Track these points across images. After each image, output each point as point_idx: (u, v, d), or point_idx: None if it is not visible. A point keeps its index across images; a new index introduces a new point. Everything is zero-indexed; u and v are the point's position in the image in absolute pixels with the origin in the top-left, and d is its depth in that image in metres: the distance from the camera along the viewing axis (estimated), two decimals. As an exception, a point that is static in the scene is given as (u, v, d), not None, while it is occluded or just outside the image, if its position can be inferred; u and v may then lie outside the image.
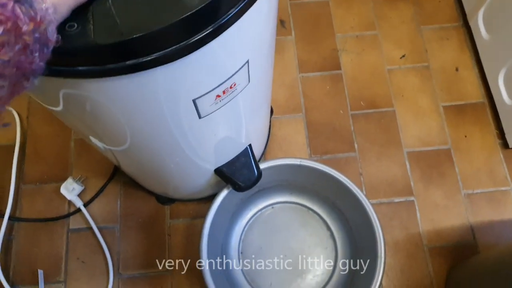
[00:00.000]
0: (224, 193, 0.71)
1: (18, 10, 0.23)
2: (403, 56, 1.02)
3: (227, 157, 0.66)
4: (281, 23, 1.04)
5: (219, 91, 0.44)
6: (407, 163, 0.92)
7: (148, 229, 0.86)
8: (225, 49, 0.39)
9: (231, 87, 0.45)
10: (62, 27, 0.30)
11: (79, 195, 0.87)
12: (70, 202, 0.87)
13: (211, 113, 0.47)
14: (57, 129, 0.94)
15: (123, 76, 0.35)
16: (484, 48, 0.96)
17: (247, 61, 0.44)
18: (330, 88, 0.98)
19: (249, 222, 0.85)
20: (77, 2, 0.31)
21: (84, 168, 0.91)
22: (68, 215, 0.86)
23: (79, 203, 0.85)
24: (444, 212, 0.89)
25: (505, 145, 0.93)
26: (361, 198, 0.71)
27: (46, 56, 0.27)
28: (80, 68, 0.33)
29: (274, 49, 0.56)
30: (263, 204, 0.86)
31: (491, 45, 0.93)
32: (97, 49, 0.31)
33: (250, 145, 0.68)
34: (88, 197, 0.88)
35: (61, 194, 0.85)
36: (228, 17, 0.35)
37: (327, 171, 0.73)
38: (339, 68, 1.00)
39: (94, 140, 0.56)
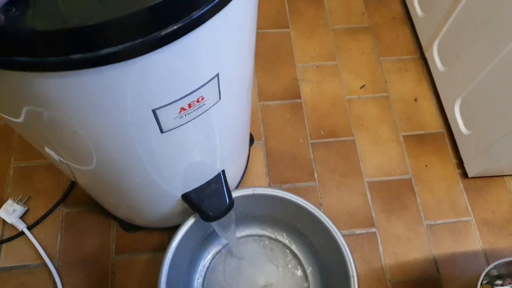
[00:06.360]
0: (184, 228, 0.65)
1: None
2: (363, 86, 1.02)
3: (196, 182, 0.61)
4: (242, 52, 1.04)
5: (184, 103, 0.40)
6: (368, 193, 0.90)
7: (90, 265, 0.79)
8: (190, 55, 0.35)
9: (198, 101, 0.41)
10: None
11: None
12: None
13: (175, 127, 0.43)
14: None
15: (68, 73, 0.31)
16: (440, 80, 0.98)
17: (217, 75, 0.40)
18: (290, 117, 0.96)
19: (212, 263, 0.79)
20: None
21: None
22: None
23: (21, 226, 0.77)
24: (406, 244, 0.85)
25: (464, 174, 0.92)
26: (320, 217, 0.68)
27: None
28: (16, 58, 0.29)
29: (253, 69, 0.52)
30: (224, 241, 0.81)
31: (446, 77, 0.95)
32: (33, 36, 0.27)
33: (223, 171, 0.63)
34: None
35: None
36: (197, 15, 0.31)
37: (282, 195, 0.70)
38: (299, 97, 0.99)
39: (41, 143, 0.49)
